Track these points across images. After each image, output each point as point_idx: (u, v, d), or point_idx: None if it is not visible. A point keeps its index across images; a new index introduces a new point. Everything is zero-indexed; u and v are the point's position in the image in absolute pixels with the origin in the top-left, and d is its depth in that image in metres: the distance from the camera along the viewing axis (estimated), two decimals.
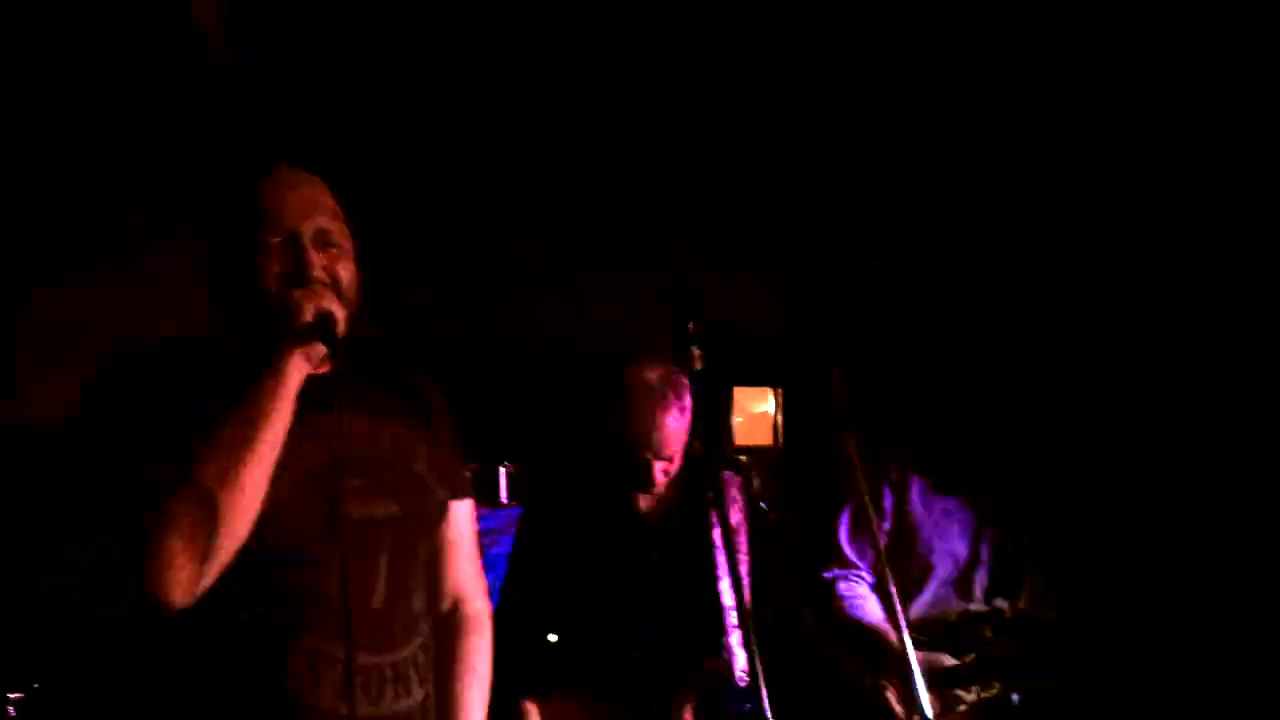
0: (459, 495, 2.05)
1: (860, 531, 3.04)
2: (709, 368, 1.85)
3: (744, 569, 2.69)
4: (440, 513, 1.98)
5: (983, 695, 2.89)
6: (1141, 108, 3.75)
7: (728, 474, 2.83)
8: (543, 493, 3.22)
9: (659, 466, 2.67)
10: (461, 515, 2.07)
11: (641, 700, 2.62)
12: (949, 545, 3.04)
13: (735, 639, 2.64)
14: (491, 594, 2.20)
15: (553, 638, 2.73)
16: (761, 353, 4.99)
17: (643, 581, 2.70)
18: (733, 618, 2.66)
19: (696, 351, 1.83)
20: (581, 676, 2.65)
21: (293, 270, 1.78)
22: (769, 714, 1.73)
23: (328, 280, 1.80)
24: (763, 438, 7.00)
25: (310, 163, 1.93)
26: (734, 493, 2.79)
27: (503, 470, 4.78)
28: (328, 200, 1.89)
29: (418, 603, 1.88)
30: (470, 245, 4.65)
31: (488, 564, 2.71)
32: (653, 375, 2.67)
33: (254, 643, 1.70)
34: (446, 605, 2.06)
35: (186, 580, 1.58)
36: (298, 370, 1.72)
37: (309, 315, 1.72)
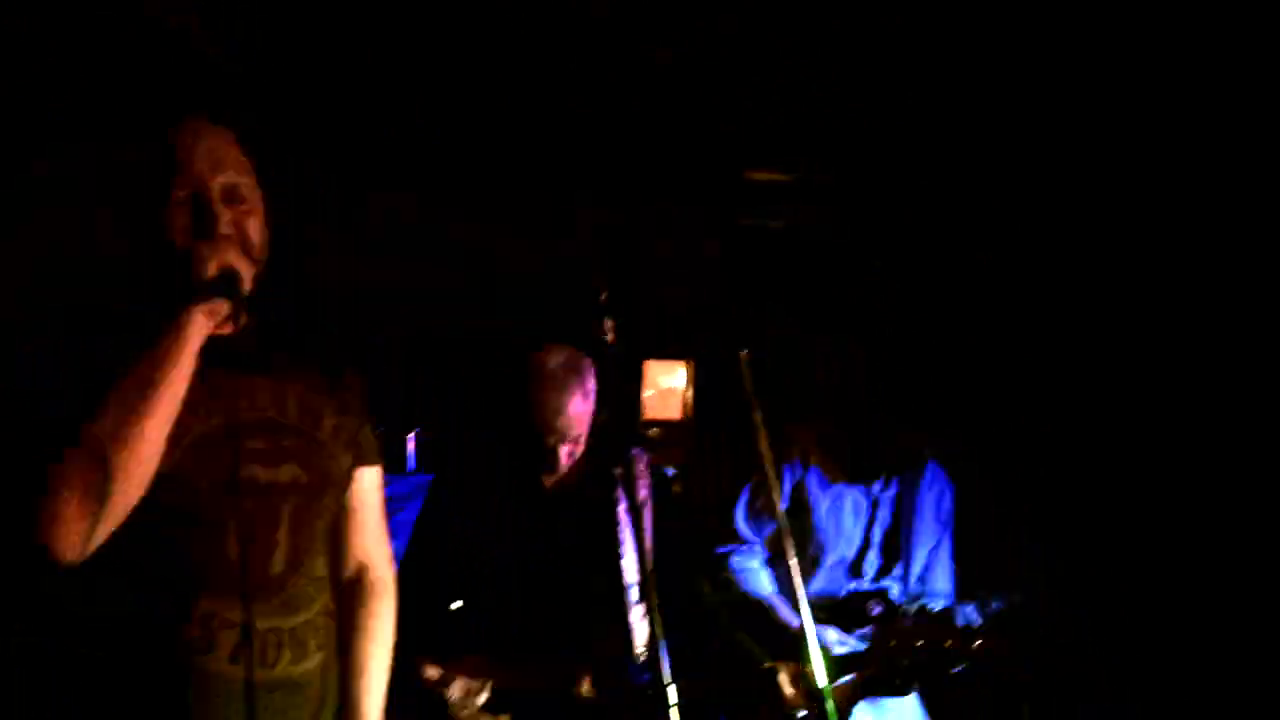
0: (366, 461, 2.01)
1: (758, 507, 3.09)
2: (620, 340, 1.85)
3: (648, 543, 2.71)
4: (345, 478, 1.94)
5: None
6: (1140, 109, 3.79)
7: (636, 449, 2.84)
8: (453, 462, 3.20)
9: (564, 450, 2.71)
10: (368, 481, 2.03)
11: (543, 671, 2.63)
12: (843, 528, 3.10)
13: (637, 613, 2.66)
14: (396, 560, 2.18)
15: (455, 605, 2.73)
16: (673, 326, 5.00)
17: (547, 555, 2.71)
18: (634, 593, 2.68)
19: (609, 323, 1.83)
20: (484, 645, 2.66)
21: (199, 225, 1.73)
22: (669, 687, 1.75)
23: (234, 236, 1.76)
24: (672, 412, 7.04)
25: (222, 115, 1.87)
26: (641, 468, 2.81)
27: (411, 437, 4.75)
28: (239, 154, 1.83)
29: (319, 568, 1.86)
30: (383, 210, 4.59)
31: (393, 530, 2.72)
32: (556, 361, 2.68)
33: (149, 604, 1.68)
34: (350, 571, 2.03)
35: (77, 537, 1.55)
36: (199, 328, 1.67)
37: (212, 271, 1.67)
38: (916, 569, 3.15)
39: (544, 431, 2.68)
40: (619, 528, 2.72)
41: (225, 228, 1.75)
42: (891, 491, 3.14)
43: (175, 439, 1.65)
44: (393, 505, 3.35)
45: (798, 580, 2.03)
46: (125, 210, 1.80)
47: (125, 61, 3.55)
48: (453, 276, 4.77)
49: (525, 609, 2.68)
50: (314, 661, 1.81)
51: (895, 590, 3.12)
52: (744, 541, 3.10)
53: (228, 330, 1.73)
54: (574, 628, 2.69)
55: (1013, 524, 3.89)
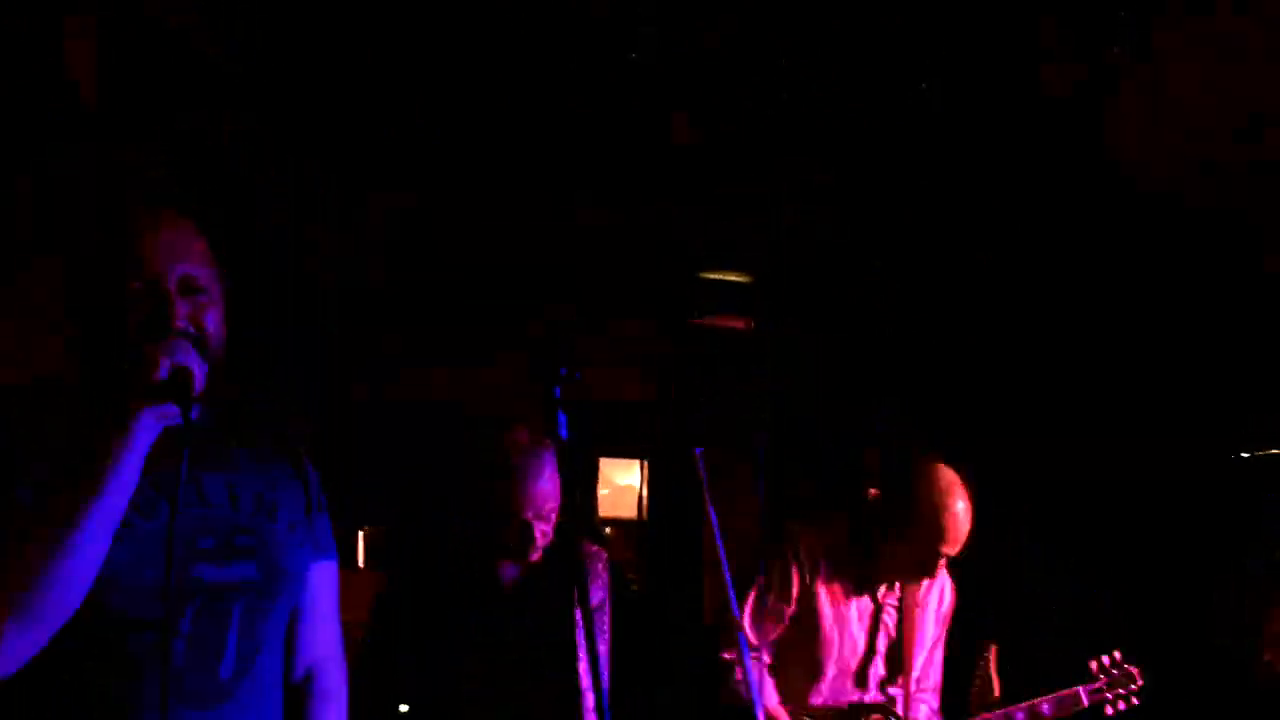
0: (322, 557, 1.91)
1: (765, 609, 3.03)
2: (575, 435, 1.84)
3: (603, 648, 2.67)
4: (300, 576, 1.83)
5: None
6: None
7: (593, 549, 2.80)
8: (406, 558, 3.12)
9: (539, 528, 2.63)
10: (323, 578, 1.92)
11: None
12: (849, 634, 3.04)
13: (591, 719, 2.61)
14: None
15: (404, 708, 2.65)
16: (628, 423, 4.99)
17: (500, 659, 2.65)
18: (590, 699, 2.62)
19: (563, 418, 1.82)
20: None
21: (154, 319, 1.64)
22: None
23: (191, 331, 1.66)
24: (627, 510, 7.01)
25: (181, 203, 1.81)
26: (599, 568, 2.77)
27: (361, 534, 4.68)
28: (198, 245, 1.73)
29: (270, 673, 1.76)
30: (332, 309, 4.57)
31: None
32: (525, 436, 2.65)
33: (90, 708, 1.57)
34: (300, 674, 1.91)
35: (9, 652, 1.47)
36: (147, 430, 1.57)
37: (163, 372, 1.57)
38: (916, 674, 3.11)
39: (519, 508, 2.61)
40: (575, 630, 2.66)
41: (181, 322, 1.65)
42: (895, 594, 3.08)
43: (119, 537, 1.55)
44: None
45: (746, 661, 1.99)
46: (78, 301, 1.71)
47: (126, 62, 3.52)
48: (406, 373, 4.76)
49: (477, 716, 2.62)
50: None
51: (899, 701, 3.07)
52: (754, 648, 2.99)
53: (180, 423, 1.61)
54: None
55: (1013, 526, 3.87)
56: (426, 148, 3.97)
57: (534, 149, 3.95)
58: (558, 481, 2.63)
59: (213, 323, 1.70)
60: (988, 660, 3.24)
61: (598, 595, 2.74)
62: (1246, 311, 4.07)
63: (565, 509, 2.40)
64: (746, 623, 3.01)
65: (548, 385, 1.81)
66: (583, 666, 2.63)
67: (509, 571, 2.70)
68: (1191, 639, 3.64)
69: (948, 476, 2.97)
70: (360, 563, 4.67)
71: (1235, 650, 3.45)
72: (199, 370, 1.60)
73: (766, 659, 3.03)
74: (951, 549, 2.93)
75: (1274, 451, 3.61)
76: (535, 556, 2.66)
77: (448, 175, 4.11)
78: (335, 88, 3.68)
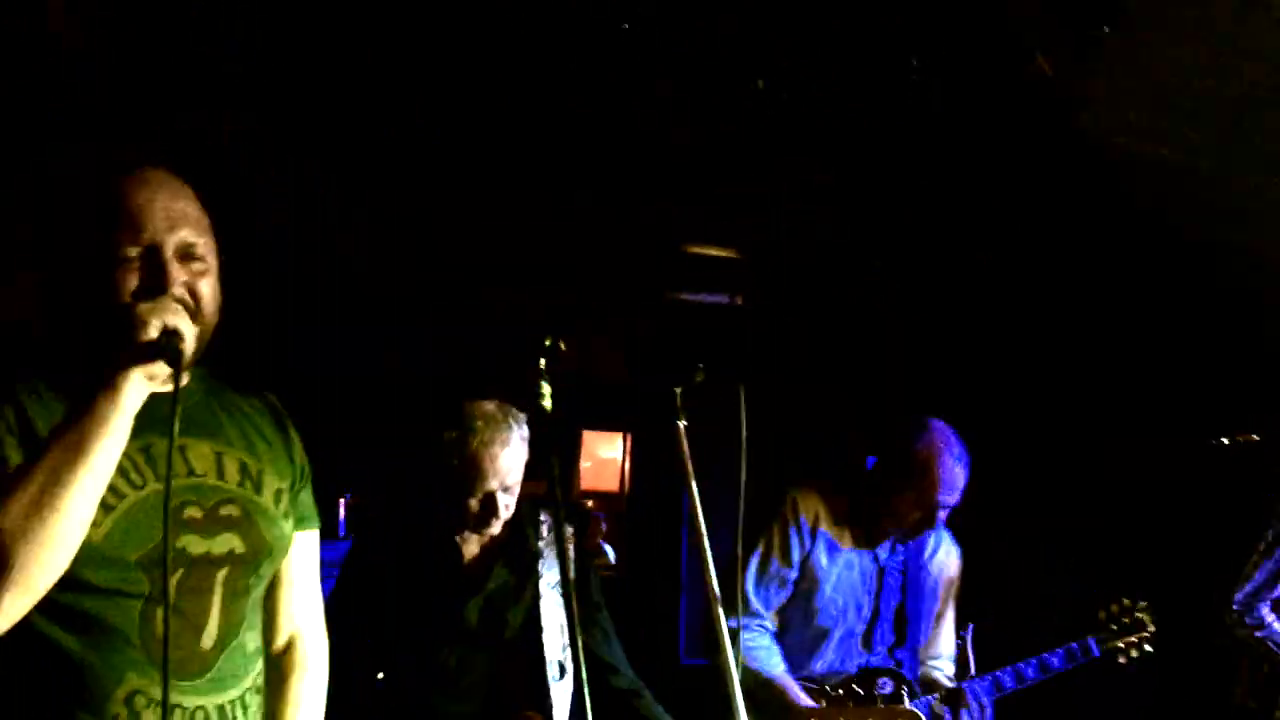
0: (305, 525, 1.91)
1: (768, 575, 3.05)
2: (557, 407, 1.84)
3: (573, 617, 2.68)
4: (285, 546, 1.83)
5: None
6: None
7: (566, 524, 2.79)
8: (371, 528, 3.10)
9: (502, 500, 2.63)
10: (305, 546, 1.92)
11: None
12: (853, 597, 3.04)
13: (558, 690, 2.62)
14: None
15: (380, 676, 2.66)
16: (611, 396, 4.99)
17: (461, 631, 2.66)
18: (554, 669, 2.64)
19: (545, 389, 1.83)
20: None
21: (149, 285, 1.61)
22: None
23: (187, 298, 1.64)
24: (609, 483, 7.04)
25: (182, 166, 1.76)
26: (568, 545, 2.76)
27: (342, 502, 4.68)
28: (195, 211, 1.71)
29: (251, 642, 1.76)
30: (316, 273, 4.55)
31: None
32: (491, 405, 2.65)
33: (71, 680, 1.58)
34: (281, 642, 1.93)
35: None
36: (136, 392, 1.54)
37: (153, 332, 1.54)
38: (923, 640, 3.12)
39: (482, 476, 2.61)
40: (539, 600, 2.68)
41: (178, 289, 1.63)
42: (899, 559, 3.09)
43: (105, 507, 1.55)
44: (323, 570, 3.31)
45: (724, 634, 2.01)
46: (68, 264, 1.68)
47: (121, 64, 3.49)
48: (391, 340, 4.75)
49: (441, 688, 2.62)
50: None
51: (905, 665, 3.07)
52: (753, 614, 3.02)
53: (168, 389, 1.59)
54: (494, 707, 2.63)
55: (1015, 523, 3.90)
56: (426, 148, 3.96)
57: (531, 148, 3.94)
58: (522, 451, 2.65)
59: (208, 290, 1.68)
60: (965, 640, 3.26)
61: (557, 574, 2.72)
62: (1246, 305, 4.09)
63: (548, 480, 2.40)
64: (750, 590, 3.02)
65: (533, 356, 1.82)
66: (546, 636, 2.65)
67: (470, 546, 2.71)
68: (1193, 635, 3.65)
69: (943, 429, 3.01)
70: (341, 531, 4.68)
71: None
72: (190, 334, 1.58)
73: (772, 626, 3.04)
74: (949, 497, 2.95)
75: (1254, 438, 3.64)
76: (497, 530, 2.67)
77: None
78: (335, 88, 3.67)
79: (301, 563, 1.92)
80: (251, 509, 1.75)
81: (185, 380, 1.63)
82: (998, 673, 3.08)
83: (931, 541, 3.15)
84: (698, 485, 2.02)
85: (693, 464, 2.05)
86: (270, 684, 1.86)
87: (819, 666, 3.05)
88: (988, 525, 3.45)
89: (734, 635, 2.94)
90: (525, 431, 2.63)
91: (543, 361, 1.82)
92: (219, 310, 1.71)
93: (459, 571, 2.69)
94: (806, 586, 3.02)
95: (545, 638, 2.64)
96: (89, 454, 1.50)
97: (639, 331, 4.84)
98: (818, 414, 4.93)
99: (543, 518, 2.77)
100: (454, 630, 2.63)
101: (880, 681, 3.01)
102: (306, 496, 1.93)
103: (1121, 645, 3.17)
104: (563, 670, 2.63)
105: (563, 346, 1.84)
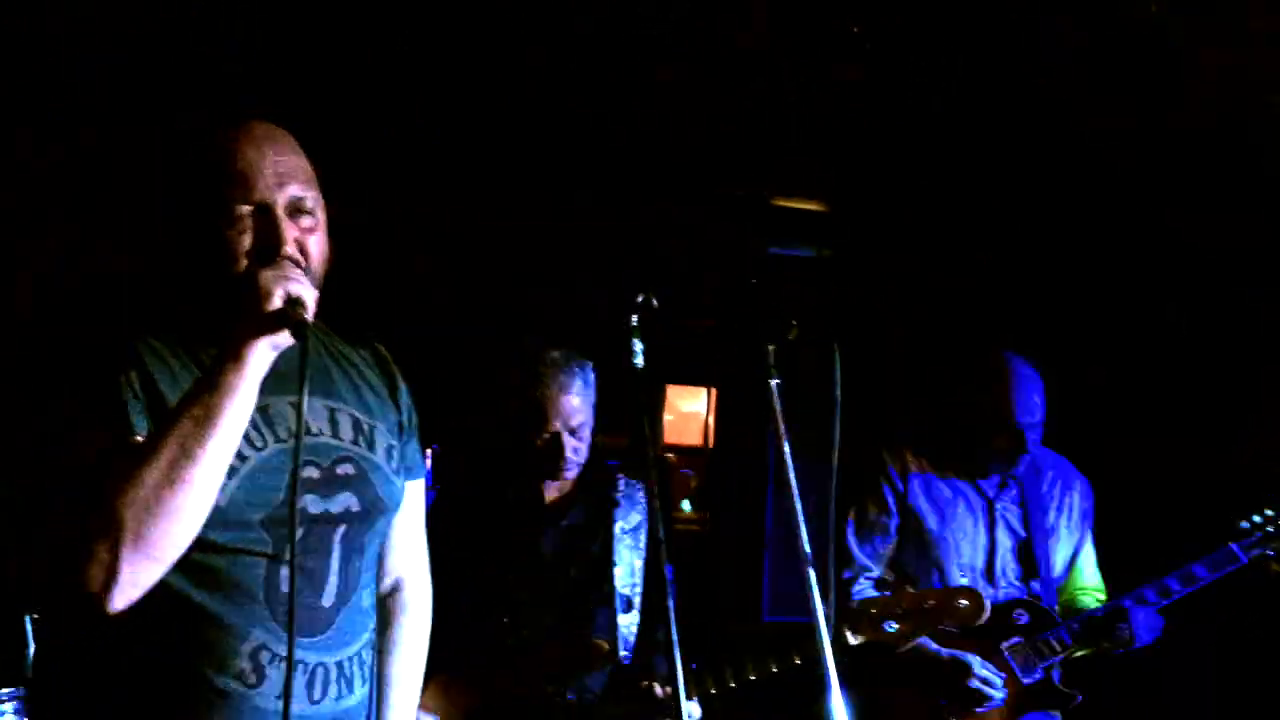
0: (413, 475, 1.93)
1: (866, 527, 3.03)
2: (647, 364, 1.82)
3: (638, 562, 2.73)
4: (397, 503, 1.84)
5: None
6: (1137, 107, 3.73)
7: (634, 479, 2.80)
8: (452, 474, 3.16)
9: (569, 444, 2.66)
10: (412, 496, 1.95)
11: (534, 682, 2.63)
12: (964, 532, 3.00)
13: (625, 621, 2.67)
14: None
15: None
16: (695, 350, 4.97)
17: (536, 563, 2.72)
18: (621, 603, 2.69)
19: (638, 346, 1.81)
20: (476, 660, 2.64)
21: (263, 244, 1.60)
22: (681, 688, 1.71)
23: (299, 257, 1.63)
24: (693, 437, 7.02)
25: (284, 116, 1.75)
26: (638, 495, 2.79)
27: (429, 453, 4.73)
28: (304, 164, 1.70)
29: (367, 599, 1.78)
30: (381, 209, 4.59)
31: None
32: (556, 351, 2.70)
33: (198, 634, 1.61)
34: (386, 587, 1.96)
35: (124, 586, 1.48)
36: (261, 362, 1.55)
37: (278, 301, 1.53)
38: (1057, 572, 3.06)
39: (547, 418, 2.64)
40: (613, 541, 2.72)
41: (290, 248, 1.62)
42: (1012, 493, 3.05)
43: (230, 470, 1.57)
44: None
45: (815, 594, 1.98)
46: (181, 223, 1.66)
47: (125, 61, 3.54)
48: (482, 296, 4.78)
49: (516, 623, 2.68)
50: (358, 696, 1.75)
51: (1044, 596, 3.01)
52: (860, 567, 3.00)
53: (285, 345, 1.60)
54: (558, 638, 2.68)
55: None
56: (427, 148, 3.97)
57: (618, 100, 3.92)
58: (588, 397, 2.68)
59: (319, 247, 1.68)
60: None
61: (635, 520, 2.78)
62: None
63: (634, 436, 2.40)
64: (853, 545, 3.01)
65: (625, 312, 1.80)
66: (616, 572, 2.71)
67: (550, 492, 2.76)
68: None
69: (1010, 353, 3.01)
70: (428, 482, 4.73)
71: None
72: (310, 298, 1.58)
73: (882, 575, 3.01)
74: (1029, 416, 2.91)
75: None
76: (570, 474, 2.70)
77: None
78: (335, 87, 3.70)
79: (408, 511, 1.94)
80: (366, 466, 1.76)
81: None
82: (1141, 589, 2.98)
83: (1049, 475, 3.11)
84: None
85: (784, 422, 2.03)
86: (376, 629, 1.87)
87: None
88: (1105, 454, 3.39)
89: (845, 587, 2.93)
90: (591, 376, 2.68)
91: (635, 318, 1.80)
92: (328, 264, 1.70)
93: (539, 509, 2.75)
94: (913, 527, 3.01)
95: (616, 572, 2.71)
96: (217, 426, 1.50)
97: (730, 285, 4.82)
98: (905, 372, 4.87)
99: (619, 475, 2.83)
100: (530, 562, 2.71)
101: (1016, 613, 2.96)
102: (413, 447, 1.93)
103: (1271, 552, 3.01)
104: (629, 605, 2.69)
105: (655, 303, 1.81)
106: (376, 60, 3.70)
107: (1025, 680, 2.93)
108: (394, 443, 1.83)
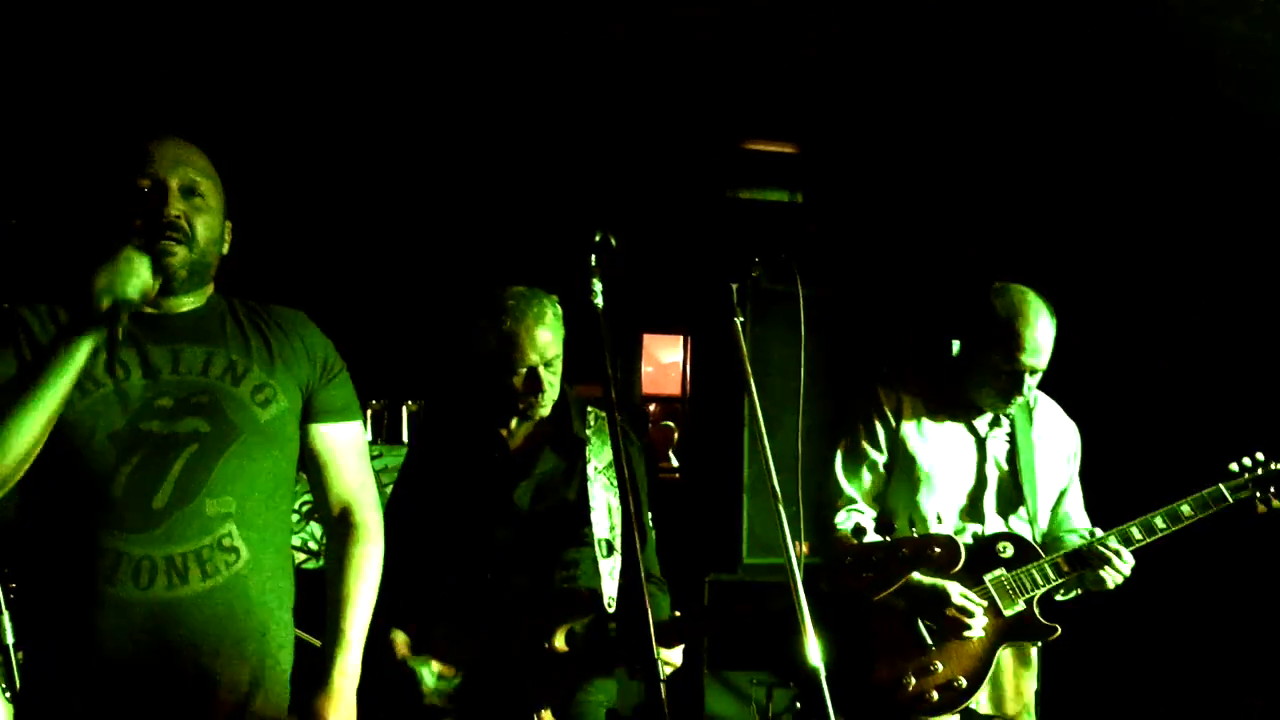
0: (333, 418, 2.24)
1: (855, 465, 3.02)
2: (610, 306, 1.81)
3: (613, 500, 2.75)
4: (273, 430, 2.13)
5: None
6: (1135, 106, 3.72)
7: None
8: (425, 428, 3.16)
9: (545, 376, 2.65)
10: (338, 435, 2.25)
11: (514, 630, 2.64)
12: (951, 466, 3.00)
13: (605, 567, 2.66)
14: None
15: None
16: (670, 297, 4.96)
17: (513, 513, 2.72)
18: (602, 548, 2.68)
19: (597, 285, 1.79)
20: (455, 609, 2.65)
21: (153, 210, 2.01)
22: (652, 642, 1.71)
23: (183, 224, 2.04)
24: (671, 387, 7.03)
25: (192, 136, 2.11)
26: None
27: (404, 409, 4.73)
28: (203, 162, 2.10)
29: (213, 506, 2.03)
30: (387, 190, 4.58)
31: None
32: (521, 287, 2.70)
33: (58, 540, 1.98)
34: (335, 512, 2.27)
35: None
36: (84, 349, 1.90)
37: (104, 304, 1.86)
38: (1043, 509, 3.06)
39: (522, 354, 2.65)
40: (587, 484, 2.72)
41: (175, 212, 2.03)
42: (1003, 431, 3.05)
43: (84, 391, 1.97)
44: (388, 476, 3.35)
45: (786, 533, 1.99)
46: (90, 203, 2.04)
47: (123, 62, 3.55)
48: (444, 250, 4.76)
49: (492, 572, 2.69)
50: (194, 589, 2.00)
51: (1027, 532, 3.02)
52: (848, 500, 2.99)
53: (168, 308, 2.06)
54: (541, 588, 2.69)
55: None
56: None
57: (588, 42, 3.91)
58: (561, 333, 2.70)
59: (202, 224, 2.07)
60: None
61: (607, 456, 2.76)
62: None
63: (604, 379, 2.39)
64: (840, 477, 3.01)
65: (583, 252, 1.79)
66: (594, 517, 2.70)
67: (517, 436, 2.78)
68: None
69: (1024, 291, 2.94)
70: (404, 437, 4.73)
71: None
72: (180, 257, 2.03)
73: (869, 510, 3.01)
74: (1035, 359, 2.88)
75: None
76: (546, 410, 2.71)
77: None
78: (331, 86, 3.69)
79: (337, 449, 2.26)
80: (221, 397, 2.09)
81: (198, 303, 2.13)
82: (1126, 525, 2.99)
83: (1039, 415, 3.10)
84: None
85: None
86: (329, 550, 2.26)
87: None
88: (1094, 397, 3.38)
89: (829, 519, 2.93)
90: (559, 309, 2.68)
91: (593, 257, 1.79)
92: (216, 245, 2.12)
93: (507, 458, 2.75)
94: (902, 464, 3.00)
95: (594, 517, 2.71)
96: (46, 387, 1.89)
97: (697, 228, 4.80)
98: (892, 309, 4.87)
99: (589, 408, 2.82)
100: (507, 513, 2.70)
101: (999, 546, 2.97)
102: (336, 392, 2.25)
103: (1258, 494, 3.03)
104: (610, 548, 2.69)
105: (613, 242, 1.80)
106: (345, 23, 3.67)
107: (1005, 612, 2.94)
108: (274, 382, 2.16)
